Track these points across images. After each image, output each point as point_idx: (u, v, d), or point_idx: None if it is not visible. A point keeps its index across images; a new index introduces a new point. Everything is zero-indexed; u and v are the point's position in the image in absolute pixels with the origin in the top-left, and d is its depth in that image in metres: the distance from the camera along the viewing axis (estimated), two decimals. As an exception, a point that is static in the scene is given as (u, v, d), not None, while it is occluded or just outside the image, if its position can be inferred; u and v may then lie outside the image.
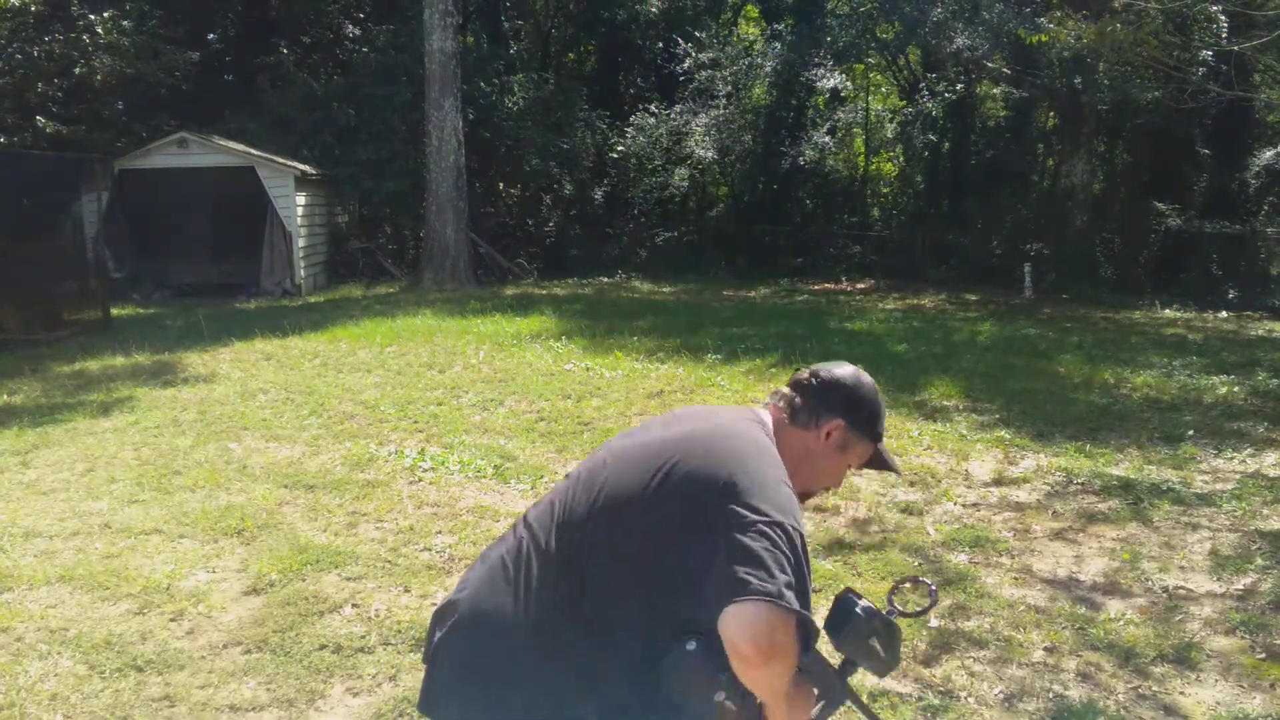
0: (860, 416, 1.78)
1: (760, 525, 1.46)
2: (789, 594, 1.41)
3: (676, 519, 1.54)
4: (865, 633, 1.59)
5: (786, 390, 1.81)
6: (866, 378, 1.82)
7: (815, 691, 1.58)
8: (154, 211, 14.97)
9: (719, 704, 1.46)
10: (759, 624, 1.39)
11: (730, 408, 1.82)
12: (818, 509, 5.02)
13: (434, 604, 3.87)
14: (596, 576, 1.59)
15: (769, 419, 1.77)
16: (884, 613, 1.64)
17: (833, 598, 1.68)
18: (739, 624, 1.39)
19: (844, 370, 1.82)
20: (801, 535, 1.49)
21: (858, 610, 1.59)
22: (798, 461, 1.72)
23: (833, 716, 1.63)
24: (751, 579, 1.40)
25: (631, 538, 1.58)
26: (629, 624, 1.57)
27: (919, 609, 1.89)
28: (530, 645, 1.59)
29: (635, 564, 1.57)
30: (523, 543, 1.69)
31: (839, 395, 1.78)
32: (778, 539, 1.45)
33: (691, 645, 1.46)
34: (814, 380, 1.79)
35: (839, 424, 1.76)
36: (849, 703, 1.64)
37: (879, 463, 1.84)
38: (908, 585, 1.89)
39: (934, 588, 1.84)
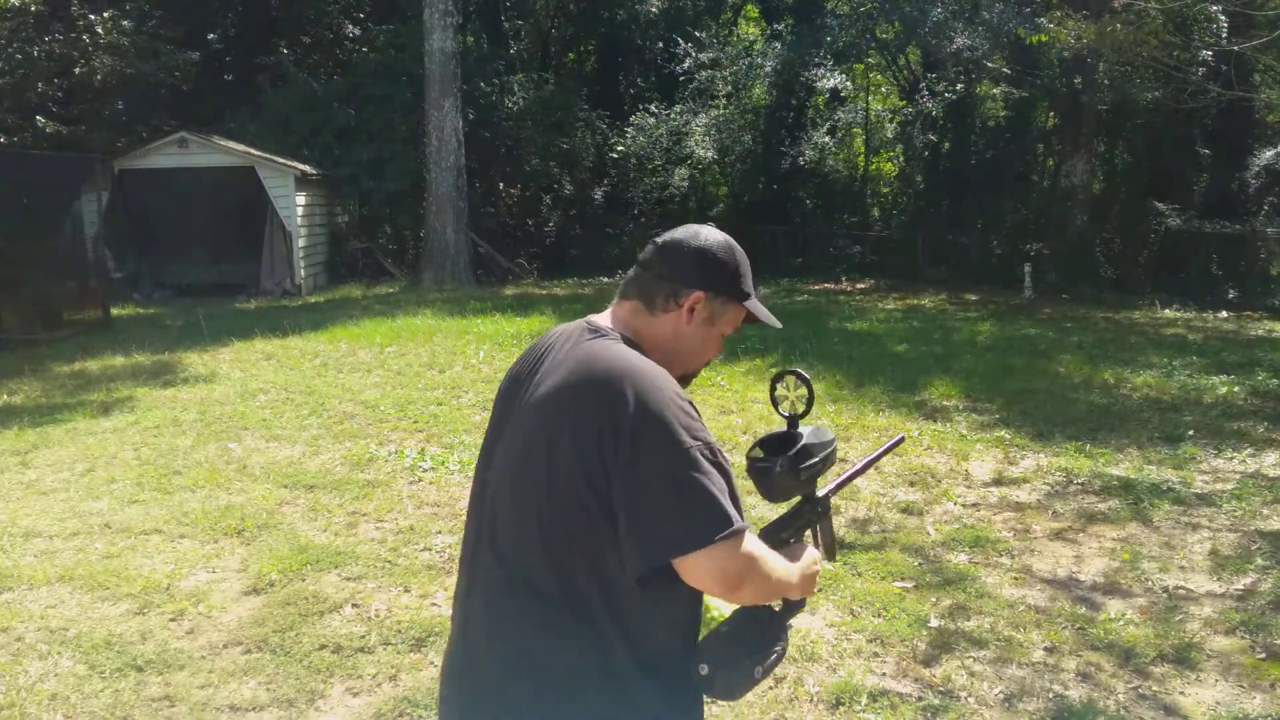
0: (720, 281, 1.60)
1: (675, 461, 1.38)
2: (722, 522, 1.37)
3: (593, 489, 1.42)
4: (797, 478, 1.61)
5: (635, 273, 1.63)
6: (715, 235, 1.63)
7: (805, 539, 1.66)
8: (154, 211, 14.98)
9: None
10: (714, 569, 1.38)
11: (574, 341, 1.57)
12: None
13: (434, 604, 3.88)
14: (546, 576, 1.47)
15: (624, 326, 1.59)
16: (787, 428, 1.65)
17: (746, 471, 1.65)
18: (699, 577, 1.39)
19: (687, 233, 1.63)
20: (710, 447, 1.41)
21: (775, 470, 1.59)
22: (670, 348, 1.59)
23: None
24: (686, 528, 1.36)
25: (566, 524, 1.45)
26: (601, 607, 1.46)
27: (804, 407, 1.73)
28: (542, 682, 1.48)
29: (586, 555, 1.45)
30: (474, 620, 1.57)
31: (689, 264, 1.59)
32: (694, 464, 1.38)
33: (704, 670, 1.46)
34: (660, 255, 1.61)
35: (699, 296, 1.58)
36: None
37: (753, 319, 1.66)
38: (785, 381, 1.77)
39: (801, 374, 1.73)
